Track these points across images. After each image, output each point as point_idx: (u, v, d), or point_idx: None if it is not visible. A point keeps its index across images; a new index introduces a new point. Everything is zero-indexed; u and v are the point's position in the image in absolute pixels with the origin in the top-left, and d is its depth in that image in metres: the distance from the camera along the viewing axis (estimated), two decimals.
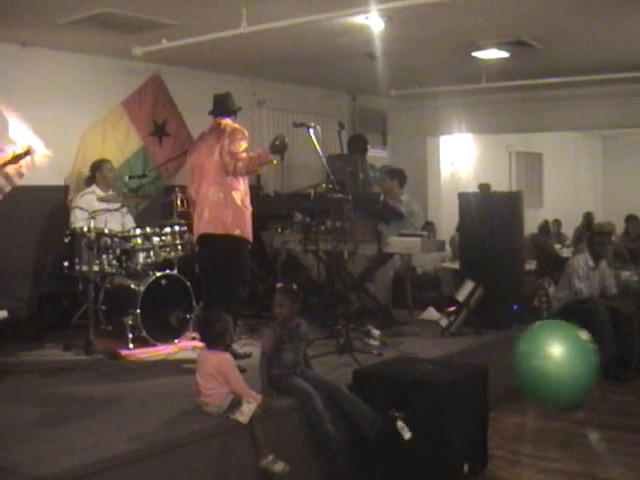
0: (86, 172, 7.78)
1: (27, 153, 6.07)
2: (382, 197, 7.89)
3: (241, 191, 6.27)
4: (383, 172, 9.53)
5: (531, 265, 9.65)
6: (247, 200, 6.33)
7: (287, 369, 5.17)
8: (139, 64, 8.31)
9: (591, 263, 8.17)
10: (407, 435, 5.04)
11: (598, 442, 6.10)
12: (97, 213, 6.89)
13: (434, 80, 10.20)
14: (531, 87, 10.36)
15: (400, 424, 5.05)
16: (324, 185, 7.27)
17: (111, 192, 7.54)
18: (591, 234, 8.99)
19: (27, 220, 7.62)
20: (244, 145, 6.20)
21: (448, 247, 9.76)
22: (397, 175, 8.83)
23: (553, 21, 7.06)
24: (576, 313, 8.04)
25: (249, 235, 6.33)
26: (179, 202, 7.43)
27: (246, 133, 6.31)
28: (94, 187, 7.56)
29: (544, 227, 12.27)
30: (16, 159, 6.10)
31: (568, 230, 14.13)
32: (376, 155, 11.30)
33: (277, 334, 5.17)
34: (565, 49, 8.29)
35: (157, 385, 5.62)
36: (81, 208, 7.33)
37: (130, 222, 7.68)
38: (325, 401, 5.11)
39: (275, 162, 6.42)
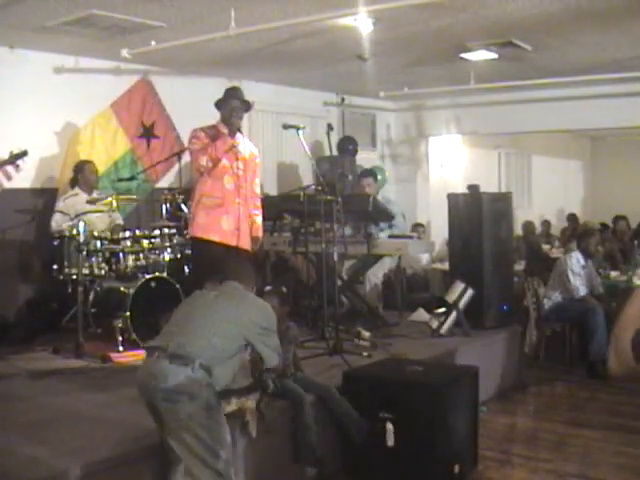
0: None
1: (24, 154, 6.08)
2: (371, 198, 7.87)
3: (200, 191, 6.21)
4: (356, 176, 9.40)
5: (520, 265, 9.67)
6: (207, 199, 6.17)
7: (277, 372, 5.16)
8: (128, 66, 8.30)
9: (582, 261, 8.24)
10: (390, 442, 5.05)
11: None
12: (81, 216, 6.87)
13: (423, 81, 10.22)
14: (520, 88, 10.41)
15: (389, 427, 5.06)
16: (313, 187, 7.27)
17: (95, 194, 7.53)
18: (583, 233, 9.03)
19: (16, 223, 7.59)
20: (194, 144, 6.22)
21: (445, 247, 9.78)
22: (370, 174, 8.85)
23: (542, 22, 7.07)
24: (570, 312, 8.09)
25: (201, 233, 6.18)
26: (168, 204, 7.43)
27: (197, 132, 6.24)
28: (77, 189, 7.55)
29: (530, 227, 12.33)
30: (14, 159, 6.11)
31: (557, 231, 14.19)
32: (365, 157, 11.29)
33: None
34: (554, 50, 8.31)
35: None
36: (62, 212, 7.34)
37: (118, 219, 7.67)
38: (315, 404, 5.12)
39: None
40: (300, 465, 5.10)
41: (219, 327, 4.11)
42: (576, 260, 8.25)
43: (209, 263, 6.03)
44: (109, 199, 7.04)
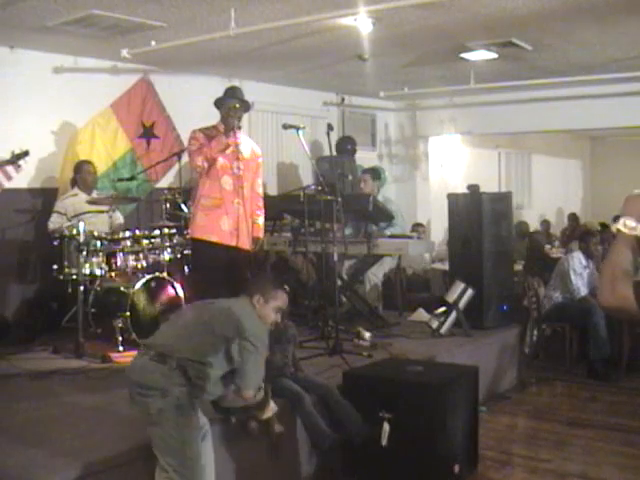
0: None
1: (26, 154, 6.08)
2: (371, 198, 7.88)
3: (199, 192, 6.22)
4: (356, 176, 9.39)
5: (518, 265, 9.67)
6: (206, 200, 6.17)
7: (276, 371, 5.16)
8: (127, 66, 8.30)
9: (584, 261, 8.24)
10: (384, 442, 5.05)
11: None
12: (78, 216, 6.87)
13: (423, 81, 10.22)
14: (520, 88, 10.40)
15: (386, 427, 5.05)
16: (313, 187, 7.27)
17: (95, 194, 7.53)
18: (585, 233, 9.03)
19: (16, 223, 7.60)
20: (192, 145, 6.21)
21: (445, 247, 9.77)
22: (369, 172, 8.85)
23: (542, 21, 7.06)
24: (571, 312, 8.09)
25: (200, 234, 6.17)
26: (168, 204, 7.43)
27: (195, 133, 6.23)
28: (76, 190, 7.55)
29: (525, 227, 12.32)
30: (15, 159, 6.12)
31: (557, 231, 14.18)
32: (365, 157, 11.29)
33: None
34: (554, 50, 8.30)
35: None
36: (58, 212, 7.34)
37: (119, 219, 7.68)
38: (316, 403, 5.12)
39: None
40: (318, 453, 5.17)
41: (202, 326, 4.18)
42: (578, 260, 8.25)
43: (213, 266, 6.06)
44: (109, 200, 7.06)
